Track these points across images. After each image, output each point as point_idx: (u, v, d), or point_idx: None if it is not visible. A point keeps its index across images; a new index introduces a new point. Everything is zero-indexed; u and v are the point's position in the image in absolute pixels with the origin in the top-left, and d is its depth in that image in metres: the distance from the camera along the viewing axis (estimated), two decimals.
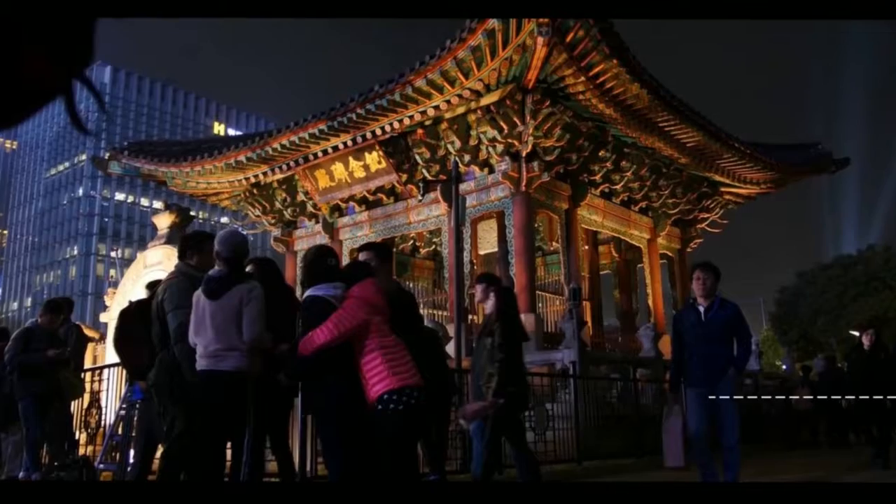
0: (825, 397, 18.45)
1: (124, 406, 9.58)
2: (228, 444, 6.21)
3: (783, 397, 21.47)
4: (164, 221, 23.14)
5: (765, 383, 22.41)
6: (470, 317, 19.41)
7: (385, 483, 5.05)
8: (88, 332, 18.71)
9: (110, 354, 16.83)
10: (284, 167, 22.03)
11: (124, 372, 9.70)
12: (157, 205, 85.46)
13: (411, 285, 24.86)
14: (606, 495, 4.08)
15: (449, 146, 19.57)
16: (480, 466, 6.87)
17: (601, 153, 20.38)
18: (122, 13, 1.17)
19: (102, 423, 12.10)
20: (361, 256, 6.27)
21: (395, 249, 23.78)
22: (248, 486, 5.94)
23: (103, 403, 12.31)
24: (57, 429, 10.35)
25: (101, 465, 9.90)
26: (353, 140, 19.89)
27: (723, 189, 25.24)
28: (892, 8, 1.59)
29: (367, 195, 21.85)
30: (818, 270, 52.16)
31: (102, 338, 23.17)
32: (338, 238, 22.81)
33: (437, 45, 16.71)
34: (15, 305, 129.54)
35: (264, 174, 22.76)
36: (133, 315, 7.75)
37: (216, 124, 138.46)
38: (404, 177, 20.52)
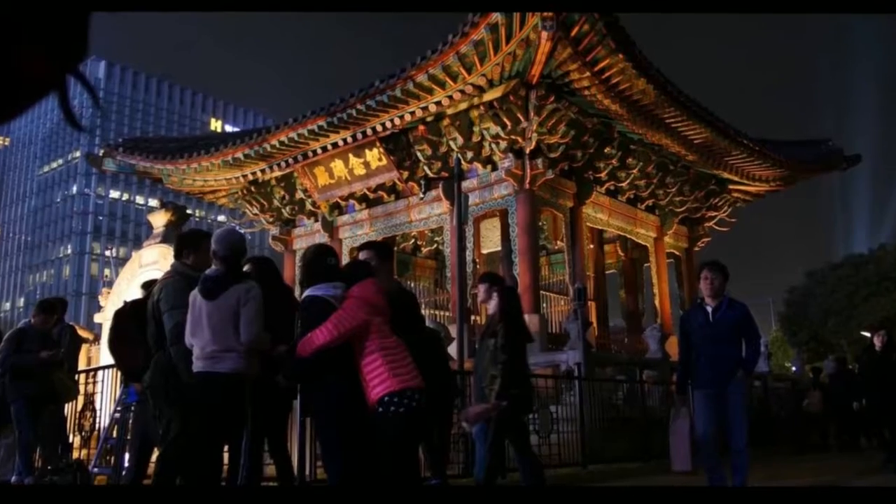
0: (836, 400, 18.46)
1: (119, 408, 9.58)
2: (226, 448, 6.21)
3: (793, 400, 21.49)
4: (159, 220, 23.15)
5: (774, 385, 22.40)
6: (472, 317, 19.43)
7: (385, 487, 5.05)
8: (82, 333, 18.73)
9: (105, 356, 16.86)
10: (283, 164, 22.03)
11: (119, 374, 9.70)
12: (153, 203, 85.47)
13: (412, 285, 24.83)
14: (612, 500, 4.09)
15: (451, 143, 19.56)
16: (483, 470, 6.86)
17: (607, 150, 20.36)
18: (116, 7, 1.16)
19: (97, 425, 12.09)
20: (361, 255, 6.27)
21: (395, 248, 23.79)
22: (245, 490, 5.94)
23: (98, 406, 12.30)
24: (50, 432, 10.36)
25: (96, 469, 9.90)
26: (353, 137, 19.90)
27: (731, 187, 25.22)
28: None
29: (368, 193, 21.83)
30: (828, 270, 52.02)
31: (97, 339, 23.20)
32: (337, 237, 22.81)
33: (439, 40, 16.71)
34: (7, 306, 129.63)
35: (262, 171, 22.77)
36: (128, 315, 7.74)
37: (213, 120, 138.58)
38: (405, 174, 20.52)
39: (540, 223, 21.91)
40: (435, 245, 26.08)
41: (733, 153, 22.20)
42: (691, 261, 25.29)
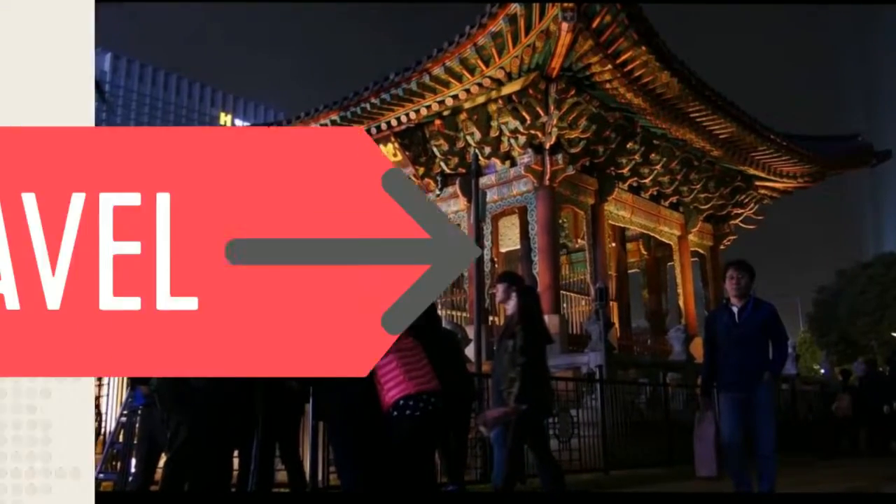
0: (866, 403, 18.35)
1: (125, 412, 9.58)
2: (235, 453, 6.20)
3: (821, 403, 21.38)
4: None
5: (802, 388, 22.29)
6: (490, 318, 19.41)
7: (400, 493, 5.04)
8: None
9: None
10: None
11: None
12: None
13: None
14: None
15: (468, 138, 19.55)
16: (502, 476, 6.84)
17: (629, 145, 20.32)
18: None
19: (102, 430, 12.13)
20: None
21: None
22: (256, 496, 5.94)
23: (103, 409, 12.33)
24: None
25: (101, 475, 9.90)
26: (368, 131, 19.87)
27: (757, 183, 25.13)
28: None
29: None
30: (858, 269, 51.63)
31: None
32: None
33: (456, 32, 16.69)
34: None
35: None
36: None
37: (222, 115, 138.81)
38: (421, 170, 20.52)
39: (560, 221, 21.86)
40: None
41: (760, 148, 22.13)
42: (716, 260, 25.23)
